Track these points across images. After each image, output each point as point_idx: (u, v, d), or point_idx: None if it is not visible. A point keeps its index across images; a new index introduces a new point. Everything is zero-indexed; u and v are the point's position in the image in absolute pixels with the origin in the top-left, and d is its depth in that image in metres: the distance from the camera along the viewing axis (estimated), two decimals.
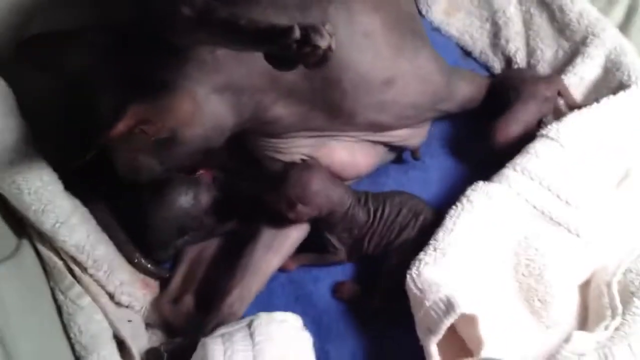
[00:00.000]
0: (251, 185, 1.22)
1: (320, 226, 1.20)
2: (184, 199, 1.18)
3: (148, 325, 1.19)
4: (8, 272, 1.03)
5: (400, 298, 1.08)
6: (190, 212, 1.19)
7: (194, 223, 1.20)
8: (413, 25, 1.20)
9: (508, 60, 1.42)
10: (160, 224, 1.18)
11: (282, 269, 1.22)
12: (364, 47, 1.08)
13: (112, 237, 1.17)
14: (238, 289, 1.15)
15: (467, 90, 1.29)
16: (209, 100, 1.02)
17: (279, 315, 1.03)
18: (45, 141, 1.16)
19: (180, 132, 1.02)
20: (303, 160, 1.17)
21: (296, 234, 1.20)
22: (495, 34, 1.44)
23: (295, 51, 0.75)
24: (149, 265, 1.20)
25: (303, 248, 1.23)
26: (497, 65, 1.44)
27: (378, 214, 1.18)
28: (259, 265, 1.17)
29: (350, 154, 1.20)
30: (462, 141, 1.35)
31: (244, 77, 1.03)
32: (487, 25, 1.45)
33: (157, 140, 1.01)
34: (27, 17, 1.20)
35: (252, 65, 1.01)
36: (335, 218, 1.17)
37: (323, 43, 0.75)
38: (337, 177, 1.20)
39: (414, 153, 1.31)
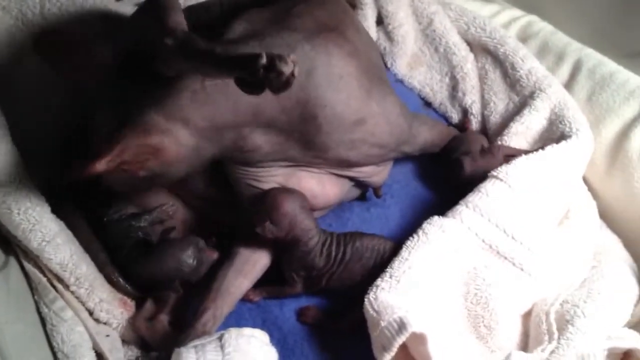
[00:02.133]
0: (227, 211, 1.30)
1: (281, 261, 1.28)
2: (186, 261, 1.24)
3: (124, 342, 1.25)
4: None
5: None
6: (186, 274, 1.24)
7: (183, 279, 1.25)
8: (380, 74, 1.30)
9: (464, 111, 1.55)
10: (152, 273, 1.24)
11: (245, 299, 1.28)
12: (339, 88, 1.15)
13: (94, 257, 1.24)
14: (211, 310, 1.21)
15: (427, 134, 1.39)
16: (193, 137, 1.10)
17: (248, 331, 1.11)
18: (36, 164, 1.24)
19: (160, 169, 1.10)
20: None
21: (264, 261, 1.28)
22: (454, 87, 1.57)
23: (262, 76, 0.84)
24: (127, 286, 1.26)
25: (265, 281, 1.30)
26: (455, 116, 1.56)
27: (338, 258, 1.24)
28: (231, 289, 1.24)
29: (319, 184, 1.27)
30: (420, 182, 1.45)
31: (229, 110, 1.10)
32: (447, 79, 1.58)
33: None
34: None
35: (237, 99, 1.09)
36: (297, 252, 1.24)
37: (287, 69, 0.83)
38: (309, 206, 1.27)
39: (376, 191, 1.39)
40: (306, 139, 1.19)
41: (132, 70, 1.11)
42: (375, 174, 1.34)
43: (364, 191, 1.41)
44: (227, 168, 1.25)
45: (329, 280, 1.25)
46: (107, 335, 1.21)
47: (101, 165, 1.01)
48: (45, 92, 1.32)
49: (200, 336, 1.16)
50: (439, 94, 1.58)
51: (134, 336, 1.26)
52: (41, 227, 1.17)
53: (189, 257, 1.23)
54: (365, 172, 1.32)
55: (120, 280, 1.25)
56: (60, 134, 1.32)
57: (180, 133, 1.08)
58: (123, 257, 1.25)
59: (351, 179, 1.32)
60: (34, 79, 1.31)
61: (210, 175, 1.27)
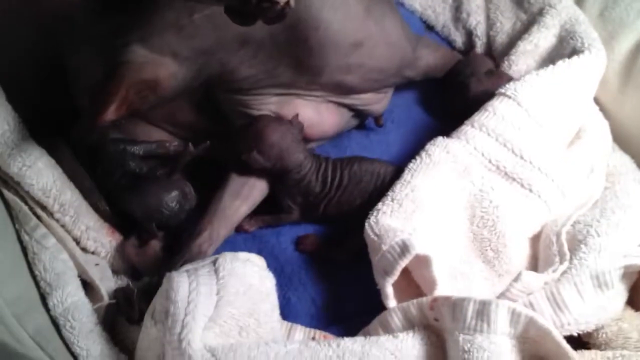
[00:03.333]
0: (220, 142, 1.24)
1: (276, 187, 1.23)
2: (168, 204, 1.18)
3: (113, 271, 1.20)
4: None
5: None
6: (165, 217, 1.19)
7: (161, 222, 1.20)
8: None
9: (469, 34, 1.48)
10: (132, 209, 1.19)
11: (240, 230, 1.24)
12: (334, 7, 1.09)
13: (79, 184, 1.18)
14: (207, 231, 1.17)
15: (431, 58, 1.33)
16: (182, 68, 1.06)
17: (243, 255, 1.05)
18: (14, 86, 1.16)
19: (161, 100, 1.07)
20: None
21: (261, 186, 1.23)
22: (457, 8, 1.49)
23: (254, 6, 0.77)
24: (113, 216, 1.21)
25: (261, 209, 1.25)
26: (459, 39, 1.49)
27: (335, 183, 1.20)
28: (227, 211, 1.19)
29: (316, 113, 1.22)
30: (422, 106, 1.39)
31: (217, 42, 1.06)
32: (450, 0, 1.50)
33: None
34: None
35: (226, 30, 1.04)
36: (290, 180, 1.20)
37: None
38: (304, 136, 1.22)
39: (377, 120, 1.33)
40: (297, 63, 1.13)
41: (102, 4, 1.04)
42: (375, 101, 1.28)
43: (363, 120, 1.35)
44: (218, 96, 1.20)
45: (327, 206, 1.21)
46: (97, 264, 1.16)
47: (111, 114, 0.99)
48: (10, 26, 1.22)
49: (195, 258, 1.12)
50: (441, 15, 1.51)
51: (123, 265, 1.21)
52: (20, 151, 1.11)
53: (172, 200, 1.17)
54: (364, 99, 1.26)
55: (106, 208, 1.20)
56: (33, 69, 1.24)
57: (170, 65, 1.04)
58: (111, 185, 1.19)
59: (350, 107, 1.27)
60: None
61: (201, 105, 1.22)
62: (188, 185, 1.21)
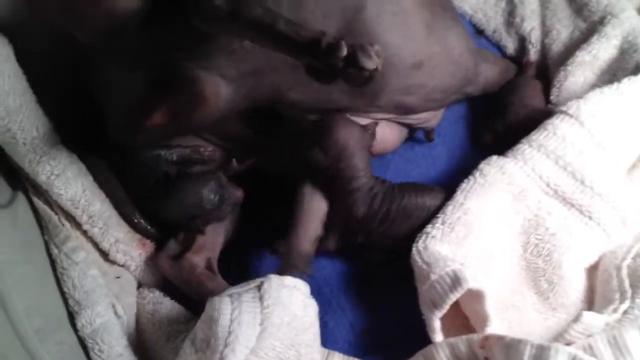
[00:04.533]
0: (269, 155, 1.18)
1: None
2: (207, 197, 1.13)
3: (145, 285, 1.15)
4: (1, 222, 0.99)
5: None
6: (207, 211, 1.14)
7: (205, 217, 1.15)
8: (443, 1, 1.16)
9: (522, 40, 1.38)
10: (170, 209, 1.14)
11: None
12: (392, 27, 1.02)
13: (110, 194, 1.13)
14: (302, 229, 1.11)
15: (490, 73, 1.25)
16: (228, 90, 0.98)
17: (290, 281, 0.99)
18: (46, 92, 1.11)
19: (198, 121, 1.00)
20: None
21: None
22: (511, 12, 1.40)
23: (340, 70, 0.72)
24: (148, 227, 1.16)
25: None
26: (511, 45, 1.40)
27: (380, 216, 1.10)
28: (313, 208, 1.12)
29: (379, 128, 1.15)
30: (470, 119, 1.31)
31: (267, 65, 0.99)
32: (502, 3, 1.41)
33: None
34: None
35: (277, 54, 0.96)
36: (337, 190, 1.11)
37: (370, 65, 0.72)
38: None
39: (428, 134, 1.26)
40: (354, 89, 1.02)
41: (159, 17, 0.94)
42: (431, 118, 1.22)
43: (413, 132, 1.28)
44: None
45: (367, 238, 1.12)
46: (118, 277, 1.11)
47: (157, 119, 0.94)
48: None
49: (297, 260, 1.08)
50: (493, 20, 1.42)
51: (154, 278, 1.16)
52: (50, 158, 1.05)
53: (210, 192, 1.12)
54: (422, 119, 1.19)
55: (142, 220, 1.15)
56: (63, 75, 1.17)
57: (218, 85, 0.97)
58: (145, 192, 1.14)
59: (407, 125, 1.21)
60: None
61: (247, 116, 1.14)
62: (223, 176, 1.15)
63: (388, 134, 1.18)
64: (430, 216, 1.08)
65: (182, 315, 1.10)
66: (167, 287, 1.16)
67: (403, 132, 1.22)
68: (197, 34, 0.89)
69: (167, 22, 0.92)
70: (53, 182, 1.04)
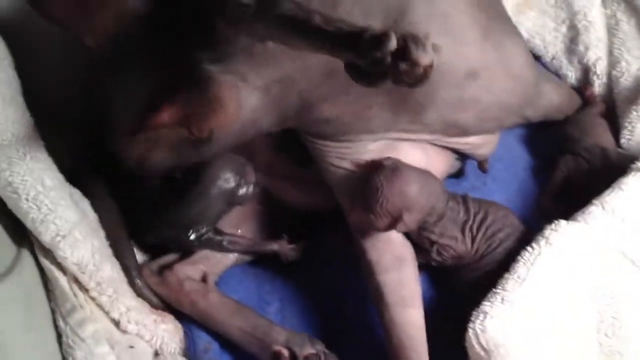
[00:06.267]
0: (303, 192, 1.10)
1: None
2: (224, 179, 1.04)
3: (158, 355, 1.04)
4: (4, 293, 0.89)
5: None
6: (229, 192, 1.05)
7: (228, 208, 1.07)
8: (498, 7, 1.03)
9: (585, 70, 1.27)
10: (194, 200, 1.05)
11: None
12: (446, 29, 0.90)
13: (119, 253, 1.04)
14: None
15: (554, 96, 1.15)
16: (251, 97, 0.87)
17: None
18: (55, 133, 1.03)
19: (217, 132, 0.86)
20: (376, 162, 1.00)
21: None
22: (572, 39, 1.28)
23: (389, 67, 0.59)
24: (152, 297, 1.07)
25: None
26: (572, 74, 1.28)
27: (478, 218, 1.01)
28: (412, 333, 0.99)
29: (425, 156, 1.03)
30: (530, 160, 1.21)
31: (296, 71, 0.88)
32: (563, 28, 1.29)
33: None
34: None
35: (307, 58, 0.85)
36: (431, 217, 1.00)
37: (425, 60, 0.59)
38: None
39: (482, 164, 1.14)
40: (396, 100, 0.94)
41: (172, 16, 0.85)
42: (484, 144, 1.08)
43: (462, 165, 1.15)
44: (302, 139, 1.03)
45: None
46: (131, 347, 1.00)
47: (166, 116, 0.79)
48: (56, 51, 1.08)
49: None
50: (552, 45, 1.30)
51: (177, 346, 1.06)
52: (55, 217, 0.95)
53: (230, 172, 1.04)
54: (472, 143, 1.06)
55: (145, 290, 1.06)
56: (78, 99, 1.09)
57: (238, 90, 0.86)
58: (158, 199, 1.06)
59: (454, 150, 1.07)
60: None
61: (282, 145, 1.07)
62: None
63: (435, 161, 1.05)
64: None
65: None
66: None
67: (450, 159, 1.09)
68: (214, 33, 0.80)
69: (181, 21, 0.84)
70: (58, 244, 0.94)
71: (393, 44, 0.59)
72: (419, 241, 1.02)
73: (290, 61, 0.86)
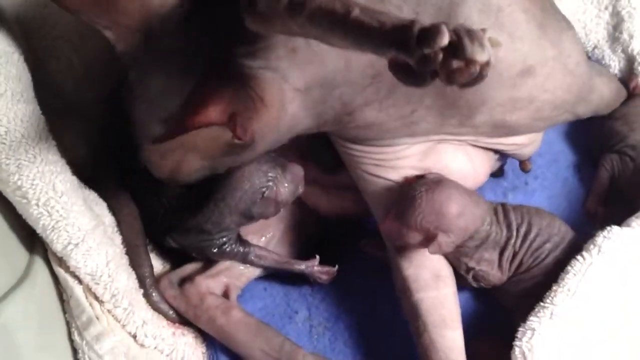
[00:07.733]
0: (334, 197, 1.05)
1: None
2: (259, 176, 0.97)
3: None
4: (17, 306, 0.84)
5: None
6: (267, 187, 0.98)
7: (262, 209, 0.99)
8: None
9: (630, 60, 1.21)
10: (228, 195, 0.97)
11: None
12: (500, 24, 0.85)
13: (136, 262, 0.99)
14: None
15: (606, 90, 1.08)
16: (292, 99, 0.82)
17: None
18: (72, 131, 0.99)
19: (257, 136, 0.81)
20: (419, 176, 0.95)
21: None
22: (616, 27, 1.22)
23: (441, 64, 0.53)
24: (169, 311, 1.02)
25: None
26: (615, 65, 1.22)
27: (521, 232, 0.95)
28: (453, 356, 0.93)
29: (467, 159, 0.98)
30: (573, 157, 1.15)
31: (340, 71, 0.82)
32: (606, 15, 1.23)
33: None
34: None
35: (351, 58, 0.80)
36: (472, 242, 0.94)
37: (482, 57, 0.52)
38: None
39: (524, 165, 1.08)
40: (444, 103, 0.89)
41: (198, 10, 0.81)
42: (530, 143, 1.02)
43: (502, 164, 1.09)
44: (334, 144, 0.98)
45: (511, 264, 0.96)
46: None
47: (213, 114, 0.74)
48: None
49: None
50: (593, 33, 1.24)
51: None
52: (67, 224, 0.89)
53: (267, 167, 0.97)
54: (520, 143, 1.01)
55: (161, 304, 1.01)
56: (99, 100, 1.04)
57: (280, 90, 0.81)
58: (186, 201, 1.00)
59: (497, 150, 1.02)
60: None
61: (314, 150, 1.04)
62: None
63: (478, 165, 0.99)
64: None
65: None
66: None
67: (492, 160, 1.03)
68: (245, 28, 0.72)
69: (213, 13, 0.79)
70: (70, 253, 0.89)
71: (445, 38, 0.52)
72: (456, 265, 0.96)
73: (335, 58, 0.81)
